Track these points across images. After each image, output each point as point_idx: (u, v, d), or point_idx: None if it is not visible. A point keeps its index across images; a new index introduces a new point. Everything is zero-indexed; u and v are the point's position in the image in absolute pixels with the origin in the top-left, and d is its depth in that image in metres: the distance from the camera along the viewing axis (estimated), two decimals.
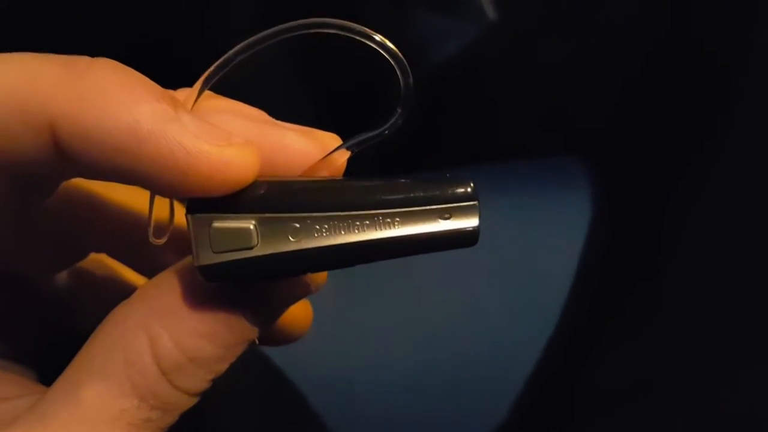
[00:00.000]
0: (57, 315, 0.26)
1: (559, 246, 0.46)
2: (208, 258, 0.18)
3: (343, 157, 0.20)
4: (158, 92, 0.17)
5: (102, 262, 0.26)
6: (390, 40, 0.19)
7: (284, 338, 0.26)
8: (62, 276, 0.26)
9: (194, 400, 0.20)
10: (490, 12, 0.47)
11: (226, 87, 0.20)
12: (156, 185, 0.17)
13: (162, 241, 0.20)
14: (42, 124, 0.17)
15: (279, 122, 0.20)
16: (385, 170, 0.46)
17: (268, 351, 0.42)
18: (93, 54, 0.18)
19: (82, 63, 0.17)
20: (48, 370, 0.23)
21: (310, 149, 0.20)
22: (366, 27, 0.18)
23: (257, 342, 0.22)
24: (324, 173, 0.20)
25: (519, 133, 0.49)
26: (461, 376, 0.44)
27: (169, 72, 0.21)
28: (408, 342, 0.44)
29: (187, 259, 0.20)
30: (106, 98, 0.17)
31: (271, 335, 0.26)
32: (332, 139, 0.20)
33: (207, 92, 0.20)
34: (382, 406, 0.43)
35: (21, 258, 0.23)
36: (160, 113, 0.17)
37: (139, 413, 0.18)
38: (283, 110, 0.21)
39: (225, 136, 0.18)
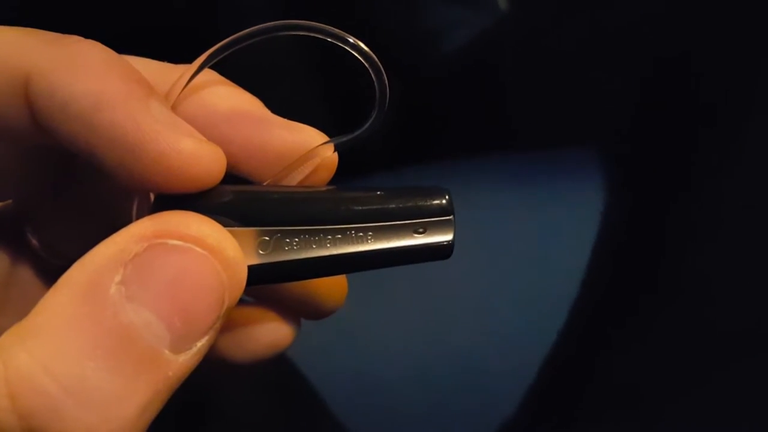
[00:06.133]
0: None
1: (571, 238, 0.45)
2: None
3: (327, 152, 0.19)
4: (134, 75, 0.17)
5: None
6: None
7: (316, 312, 0.24)
8: None
9: None
10: (502, 1, 0.47)
11: (237, 70, 0.20)
12: (108, 162, 0.17)
13: None
14: (19, 77, 0.17)
15: (267, 114, 0.20)
16: (397, 157, 0.46)
17: None
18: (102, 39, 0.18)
19: (69, 38, 0.18)
20: None
21: (291, 143, 0.19)
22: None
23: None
24: (306, 170, 0.20)
25: (530, 122, 0.49)
26: (470, 369, 0.43)
27: (182, 60, 0.20)
28: (417, 334, 0.44)
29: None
30: (79, 66, 0.17)
31: (303, 308, 0.23)
32: (317, 135, 0.20)
33: (207, 70, 0.19)
34: (390, 398, 0.43)
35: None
36: (126, 90, 0.17)
37: None
38: (292, 103, 0.21)
39: (187, 130, 0.17)
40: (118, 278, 0.15)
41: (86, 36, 0.18)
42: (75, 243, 0.20)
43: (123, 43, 0.19)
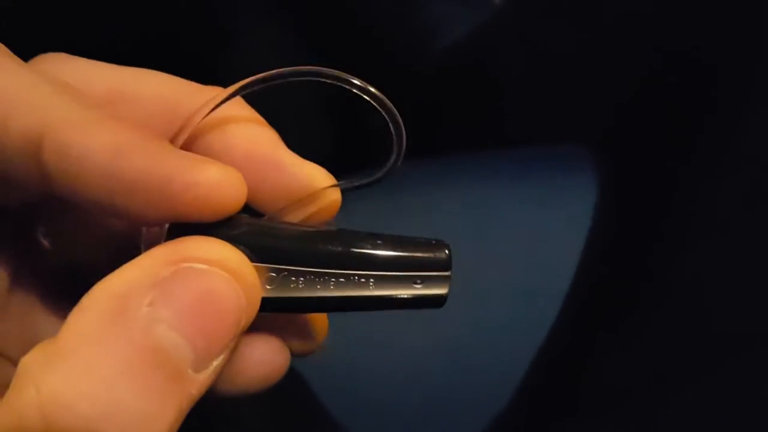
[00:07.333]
0: None
1: (565, 234, 0.45)
2: None
3: (335, 194, 0.20)
4: (140, 124, 0.18)
5: None
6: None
7: (298, 350, 0.23)
8: None
9: None
10: None
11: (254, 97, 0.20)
12: (131, 204, 0.17)
13: None
14: (34, 139, 0.17)
15: (280, 149, 0.21)
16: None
17: None
18: (99, 46, 0.18)
19: (73, 88, 0.18)
20: None
21: (299, 183, 0.20)
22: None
23: None
24: (313, 207, 0.20)
25: (525, 119, 0.49)
26: (464, 363, 0.44)
27: (178, 62, 0.21)
28: (410, 327, 0.44)
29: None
30: (92, 121, 0.17)
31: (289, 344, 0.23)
32: (326, 178, 0.20)
33: (237, 98, 0.20)
34: (382, 391, 0.43)
35: None
36: (141, 135, 0.17)
37: None
38: (302, 136, 0.21)
39: (208, 159, 0.18)
40: (147, 300, 0.16)
41: (102, 53, 0.19)
42: (84, 247, 0.22)
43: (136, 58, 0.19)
